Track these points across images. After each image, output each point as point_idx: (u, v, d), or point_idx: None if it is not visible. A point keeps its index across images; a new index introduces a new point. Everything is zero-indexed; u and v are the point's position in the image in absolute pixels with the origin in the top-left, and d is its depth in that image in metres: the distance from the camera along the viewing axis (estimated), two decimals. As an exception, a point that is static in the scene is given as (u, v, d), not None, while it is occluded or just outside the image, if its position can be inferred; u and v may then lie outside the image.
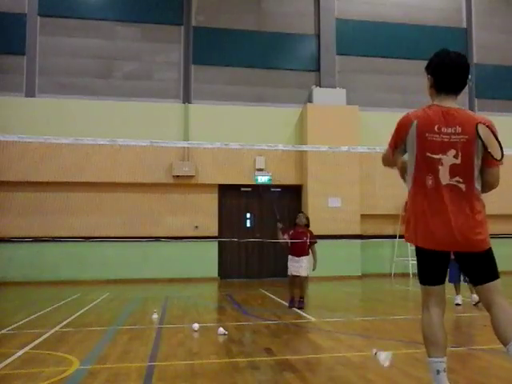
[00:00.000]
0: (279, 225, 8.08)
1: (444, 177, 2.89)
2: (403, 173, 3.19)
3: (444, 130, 2.88)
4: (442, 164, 2.88)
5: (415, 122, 2.94)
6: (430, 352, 2.97)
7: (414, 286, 11.71)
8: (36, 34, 13.48)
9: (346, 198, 13.51)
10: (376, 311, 7.87)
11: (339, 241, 13.22)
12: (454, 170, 2.87)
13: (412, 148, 2.98)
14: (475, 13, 15.71)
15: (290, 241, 7.94)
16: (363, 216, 13.76)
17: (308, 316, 7.13)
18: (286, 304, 8.14)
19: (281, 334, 5.83)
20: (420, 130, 2.91)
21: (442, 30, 15.30)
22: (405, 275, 13.81)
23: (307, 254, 7.99)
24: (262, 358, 4.58)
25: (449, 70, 2.97)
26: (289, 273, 7.96)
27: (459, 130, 2.86)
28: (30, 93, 13.30)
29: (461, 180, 2.87)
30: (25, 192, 12.77)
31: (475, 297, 7.65)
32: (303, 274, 7.88)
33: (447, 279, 8.02)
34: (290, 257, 7.98)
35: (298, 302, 7.87)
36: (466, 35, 15.59)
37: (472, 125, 2.86)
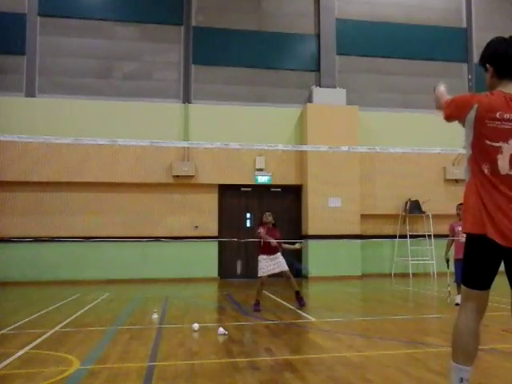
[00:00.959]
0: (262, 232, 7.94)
1: (503, 167, 2.69)
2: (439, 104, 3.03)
3: (506, 116, 2.69)
4: (501, 152, 2.69)
5: (475, 106, 2.73)
6: (458, 359, 2.77)
7: (414, 286, 11.71)
8: (36, 34, 13.49)
9: (346, 198, 13.51)
10: (376, 311, 7.86)
11: (339, 241, 13.23)
12: None
13: (469, 133, 2.78)
14: (475, 13, 15.71)
15: (274, 241, 7.77)
16: (363, 216, 13.76)
17: (308, 316, 7.12)
18: (286, 304, 8.13)
19: (281, 334, 5.82)
20: (480, 116, 2.72)
21: (442, 30, 15.31)
22: (405, 275, 13.80)
23: (280, 251, 7.90)
24: (262, 358, 4.58)
25: (509, 53, 2.81)
26: (262, 274, 7.71)
27: None
28: (30, 93, 13.30)
29: None
30: (25, 192, 12.77)
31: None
32: (286, 268, 7.79)
33: (454, 279, 7.98)
34: (263, 256, 7.81)
35: (297, 299, 7.82)
36: (466, 35, 15.58)
37: None
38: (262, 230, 7.84)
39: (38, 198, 12.77)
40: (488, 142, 2.71)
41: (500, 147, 2.69)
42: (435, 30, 15.24)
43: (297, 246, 8.21)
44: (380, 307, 8.41)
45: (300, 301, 7.81)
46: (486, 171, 2.71)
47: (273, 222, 8.04)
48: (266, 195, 14.20)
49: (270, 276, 7.79)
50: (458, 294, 7.96)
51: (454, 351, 2.79)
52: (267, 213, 8.14)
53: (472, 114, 2.74)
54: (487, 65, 2.89)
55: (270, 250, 7.79)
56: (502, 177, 2.69)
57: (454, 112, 2.88)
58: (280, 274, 7.83)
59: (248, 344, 5.42)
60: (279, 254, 7.87)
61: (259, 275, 7.80)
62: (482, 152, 2.73)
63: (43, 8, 13.55)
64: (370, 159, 13.68)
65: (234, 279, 13.50)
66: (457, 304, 7.80)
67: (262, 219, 8.11)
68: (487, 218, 2.68)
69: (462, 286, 2.86)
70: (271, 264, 7.76)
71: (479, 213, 2.71)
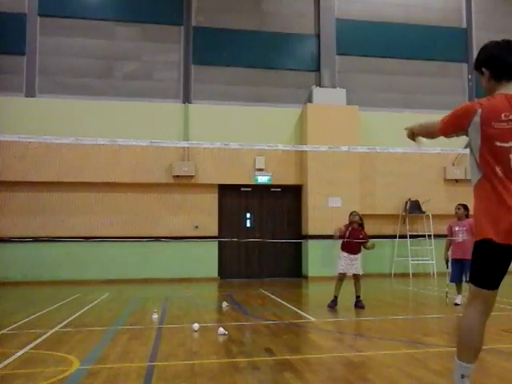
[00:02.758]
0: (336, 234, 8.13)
1: None
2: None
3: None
4: None
5: (479, 111, 2.78)
6: (462, 356, 2.81)
7: (414, 286, 11.71)
8: (36, 34, 13.48)
9: (346, 198, 13.49)
10: (376, 311, 7.86)
11: (339, 241, 13.18)
12: None
13: (476, 139, 2.81)
14: (475, 13, 15.70)
15: (346, 239, 8.02)
16: (363, 216, 13.64)
17: (308, 316, 7.13)
18: (286, 304, 8.13)
19: (281, 333, 5.82)
20: (485, 119, 2.76)
21: (442, 30, 15.30)
22: (405, 275, 13.80)
23: (360, 252, 8.06)
24: (262, 358, 4.58)
25: (503, 56, 2.88)
26: (340, 271, 7.95)
27: None
28: (30, 93, 13.30)
29: None
30: (25, 192, 12.76)
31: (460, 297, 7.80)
32: (360, 271, 8.00)
33: (449, 278, 8.04)
34: (344, 254, 7.99)
35: (356, 302, 7.91)
36: (466, 35, 15.58)
37: None
38: (342, 229, 8.09)
39: (38, 198, 12.76)
40: (498, 144, 2.73)
41: (510, 147, 2.72)
42: (435, 30, 15.23)
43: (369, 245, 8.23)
44: (380, 307, 8.41)
45: (359, 303, 7.87)
46: (499, 173, 2.72)
47: (360, 221, 8.22)
48: (266, 195, 14.20)
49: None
50: (458, 294, 7.98)
51: (459, 348, 2.83)
52: (354, 212, 8.37)
53: (476, 119, 2.78)
54: (483, 69, 2.96)
55: (351, 249, 7.98)
56: None
57: (454, 123, 2.94)
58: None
59: (248, 344, 5.42)
60: (359, 256, 8.02)
61: (338, 271, 8.01)
62: (493, 154, 2.75)
63: (43, 8, 13.54)
64: (369, 159, 13.67)
65: (234, 279, 13.52)
66: (456, 304, 7.82)
67: (349, 217, 8.25)
68: (501, 223, 2.68)
69: (471, 284, 2.86)
70: (349, 263, 7.92)
71: (491, 217, 2.73)
